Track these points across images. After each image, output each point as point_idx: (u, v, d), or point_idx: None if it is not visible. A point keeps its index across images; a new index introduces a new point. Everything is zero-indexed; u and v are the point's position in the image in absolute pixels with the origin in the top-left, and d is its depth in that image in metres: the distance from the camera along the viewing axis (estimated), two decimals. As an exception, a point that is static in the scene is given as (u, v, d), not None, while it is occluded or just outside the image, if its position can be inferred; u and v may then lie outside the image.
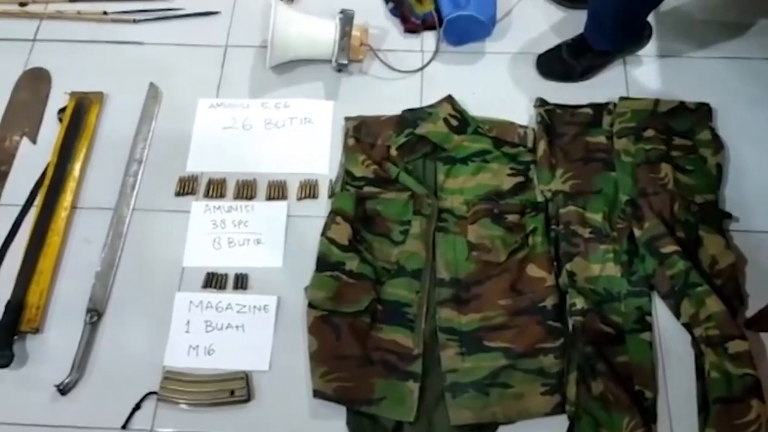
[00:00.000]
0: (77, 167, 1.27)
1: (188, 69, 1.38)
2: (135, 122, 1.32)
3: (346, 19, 1.29)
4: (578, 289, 1.10)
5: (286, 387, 1.09)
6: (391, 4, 1.42)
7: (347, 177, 1.24)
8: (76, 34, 1.43)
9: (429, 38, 1.42)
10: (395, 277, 1.15)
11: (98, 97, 1.33)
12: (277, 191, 1.25)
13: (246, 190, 1.25)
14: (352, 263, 1.14)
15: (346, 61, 1.30)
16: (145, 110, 1.33)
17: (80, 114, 1.31)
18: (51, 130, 1.32)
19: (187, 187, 1.25)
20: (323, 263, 1.15)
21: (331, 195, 1.24)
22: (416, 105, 1.32)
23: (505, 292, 1.12)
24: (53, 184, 1.24)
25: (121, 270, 1.19)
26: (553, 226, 1.17)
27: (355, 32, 1.32)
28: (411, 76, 1.37)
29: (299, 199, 1.24)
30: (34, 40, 1.42)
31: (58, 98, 1.36)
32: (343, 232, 1.16)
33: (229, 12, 1.45)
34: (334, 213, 1.19)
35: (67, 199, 1.23)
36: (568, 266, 1.12)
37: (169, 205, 1.24)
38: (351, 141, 1.27)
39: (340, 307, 1.11)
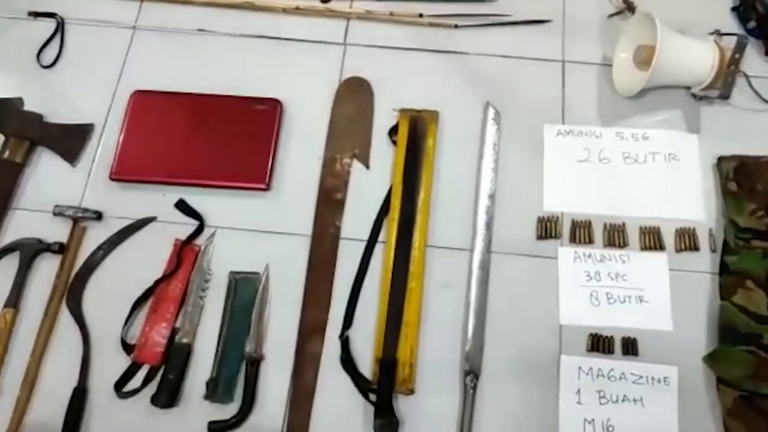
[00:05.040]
0: (422, 199, 1.13)
1: (525, 87, 1.23)
2: (474, 147, 1.18)
3: (740, 46, 1.12)
4: None
5: (702, 475, 0.97)
6: (752, 23, 1.24)
7: (732, 228, 1.09)
8: (390, 38, 1.27)
9: (794, 63, 1.24)
10: (814, 354, 1.01)
11: (433, 117, 1.18)
12: (651, 240, 1.11)
13: (616, 237, 1.11)
14: (772, 337, 1.00)
15: (729, 94, 1.14)
16: (485, 134, 1.18)
17: (417, 136, 1.17)
18: (382, 152, 1.18)
19: (548, 229, 1.11)
20: (732, 334, 1.02)
21: (715, 249, 1.09)
22: (793, 143, 1.16)
23: None
24: (404, 218, 1.11)
25: (491, 323, 1.06)
26: None
27: (733, 58, 1.15)
28: (779, 109, 1.20)
29: (678, 250, 1.10)
30: (344, 44, 1.27)
31: (381, 114, 1.21)
32: (757, 300, 1.03)
33: (559, 21, 1.28)
34: (741, 275, 1.04)
35: (419, 236, 1.10)
36: None
37: (531, 249, 1.11)
38: (732, 185, 1.12)
39: (760, 388, 0.98)
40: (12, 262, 1.10)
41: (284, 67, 1.25)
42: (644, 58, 1.15)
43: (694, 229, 1.11)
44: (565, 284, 1.08)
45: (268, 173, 1.14)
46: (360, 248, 1.11)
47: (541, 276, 1.09)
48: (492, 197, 1.13)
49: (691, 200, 1.14)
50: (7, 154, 1.15)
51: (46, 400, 1.02)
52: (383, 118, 1.20)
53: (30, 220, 1.14)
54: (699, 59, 1.14)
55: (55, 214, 1.12)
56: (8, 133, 1.16)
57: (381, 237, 1.12)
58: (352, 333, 1.06)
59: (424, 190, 1.13)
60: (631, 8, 1.25)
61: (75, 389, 1.02)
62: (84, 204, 1.14)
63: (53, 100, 1.22)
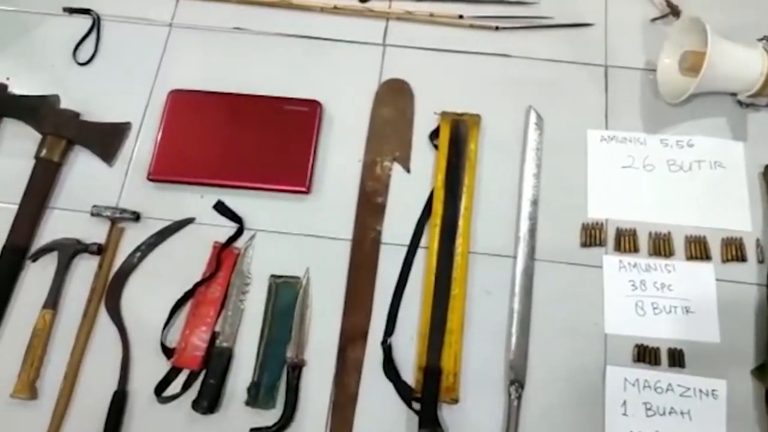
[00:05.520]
0: (464, 204, 1.11)
1: (567, 91, 1.21)
2: (515, 151, 1.16)
3: (791, 52, 1.10)
4: None
5: (751, 491, 0.96)
6: (799, 29, 1.22)
7: (778, 238, 1.07)
8: (430, 39, 1.25)
9: (841, 71, 1.22)
10: None
11: (475, 121, 1.17)
12: (697, 249, 1.09)
13: (662, 246, 1.09)
14: (821, 351, 0.99)
15: (778, 102, 1.12)
16: (527, 139, 1.16)
17: (459, 140, 1.15)
18: (423, 156, 1.16)
19: (593, 236, 1.10)
20: (782, 347, 1.00)
21: (762, 260, 1.08)
22: (840, 151, 1.14)
23: None
24: (446, 224, 1.09)
25: (535, 331, 1.05)
26: None
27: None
28: (826, 117, 1.18)
29: (725, 261, 1.08)
30: (383, 44, 1.25)
31: (421, 116, 1.19)
32: (806, 313, 1.00)
33: (601, 24, 1.26)
34: (789, 287, 1.03)
35: (461, 242, 1.08)
36: None
37: (575, 257, 1.09)
38: (778, 195, 1.10)
39: (810, 401, 0.97)
40: (49, 262, 1.08)
41: (322, 68, 1.23)
42: (691, 64, 1.14)
43: (741, 239, 1.09)
44: (610, 293, 1.07)
45: (309, 176, 1.12)
46: (401, 253, 1.10)
47: (585, 284, 1.07)
48: (535, 203, 1.12)
49: (738, 209, 1.12)
50: (44, 152, 1.13)
51: (86, 403, 1.01)
52: (423, 120, 1.19)
53: (67, 219, 1.12)
54: (748, 66, 1.12)
55: (92, 214, 1.10)
56: (45, 131, 1.14)
57: (422, 242, 1.10)
58: (393, 339, 1.04)
59: (466, 195, 1.11)
60: (675, 12, 1.24)
61: (115, 393, 1.00)
62: (121, 204, 1.13)
63: (89, 98, 1.21)
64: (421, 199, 1.13)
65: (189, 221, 1.11)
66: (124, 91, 1.22)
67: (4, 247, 1.08)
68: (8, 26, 1.26)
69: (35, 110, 1.16)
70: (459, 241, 1.08)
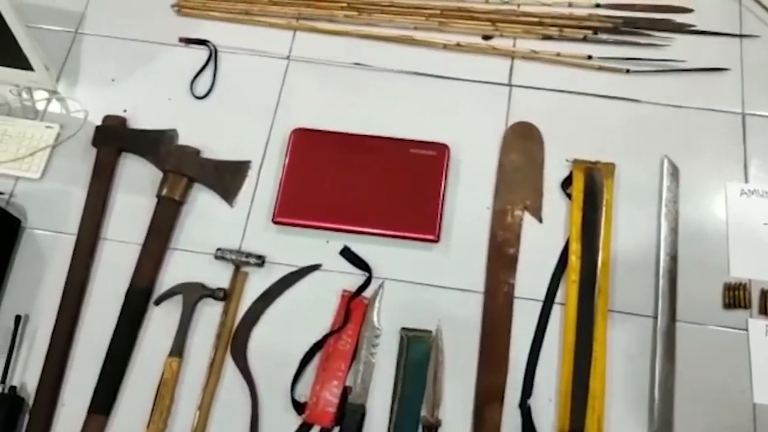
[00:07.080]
0: (601, 259, 1.07)
1: (702, 140, 1.17)
2: (650, 203, 1.12)
3: None
4: None
5: None
6: None
7: None
8: (557, 80, 1.21)
9: None
10: None
11: (609, 170, 1.12)
12: None
13: (809, 310, 1.04)
14: None
15: None
16: (662, 190, 1.12)
17: (594, 190, 1.10)
18: (554, 206, 1.12)
19: (736, 297, 1.05)
20: None
21: None
22: None
23: None
24: (584, 279, 1.05)
25: (679, 397, 1.01)
26: None
27: None
28: None
29: None
30: (509, 84, 1.21)
31: (550, 162, 1.15)
32: None
33: (737, 69, 1.21)
34: None
35: (601, 300, 1.04)
36: None
37: (718, 318, 1.05)
38: None
39: None
40: (171, 305, 1.06)
41: (445, 107, 1.19)
42: (843, 118, 1.08)
43: None
44: (758, 360, 1.02)
45: (438, 223, 1.08)
46: (535, 308, 1.06)
47: (730, 349, 1.03)
48: (674, 259, 1.07)
49: None
50: (165, 191, 1.10)
51: (216, 458, 0.98)
52: (553, 166, 1.14)
53: (187, 261, 1.10)
54: None
55: (216, 257, 1.07)
56: (167, 169, 1.11)
57: (557, 297, 1.06)
58: (531, 401, 1.00)
59: (603, 249, 1.07)
60: (816, 59, 1.18)
61: (246, 449, 0.97)
62: (243, 247, 1.10)
63: (206, 132, 1.18)
64: (554, 252, 1.09)
65: (315, 267, 1.08)
66: (242, 127, 1.19)
67: (129, 290, 1.05)
68: (124, 55, 1.23)
69: (155, 146, 1.14)
70: (598, 298, 1.04)
